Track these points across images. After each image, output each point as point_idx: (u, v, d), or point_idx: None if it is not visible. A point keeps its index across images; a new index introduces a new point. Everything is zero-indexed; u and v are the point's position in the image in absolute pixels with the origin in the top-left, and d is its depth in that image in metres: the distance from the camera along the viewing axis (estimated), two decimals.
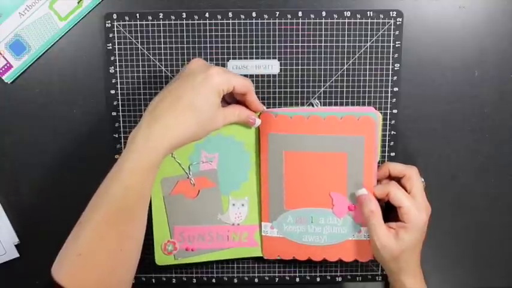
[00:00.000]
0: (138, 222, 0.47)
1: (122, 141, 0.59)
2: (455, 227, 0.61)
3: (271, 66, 0.58)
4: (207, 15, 0.57)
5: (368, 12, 0.56)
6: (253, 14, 0.57)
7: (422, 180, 0.53)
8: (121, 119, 0.58)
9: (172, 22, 0.57)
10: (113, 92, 0.58)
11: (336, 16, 0.56)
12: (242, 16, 0.56)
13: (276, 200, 0.56)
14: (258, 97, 0.57)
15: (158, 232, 0.57)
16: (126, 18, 0.57)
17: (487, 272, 0.62)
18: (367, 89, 0.58)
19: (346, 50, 0.57)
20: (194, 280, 0.61)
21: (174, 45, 0.57)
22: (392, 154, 0.59)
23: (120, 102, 0.58)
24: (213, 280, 0.61)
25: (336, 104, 0.58)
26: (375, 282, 0.62)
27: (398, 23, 0.57)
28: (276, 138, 0.55)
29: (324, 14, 0.56)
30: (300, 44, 0.57)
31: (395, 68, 0.57)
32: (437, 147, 0.60)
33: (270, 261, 0.61)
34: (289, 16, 0.56)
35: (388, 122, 0.58)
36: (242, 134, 0.56)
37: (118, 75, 0.58)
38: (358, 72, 0.57)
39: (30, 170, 0.60)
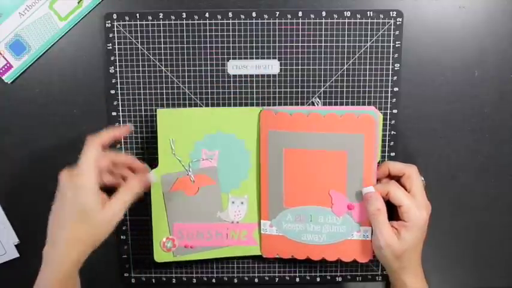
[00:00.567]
0: None
1: (122, 141, 0.59)
2: (455, 226, 0.61)
3: (271, 66, 0.58)
4: (207, 15, 0.57)
5: (368, 12, 0.56)
6: (253, 14, 0.57)
7: (422, 179, 0.53)
8: (121, 119, 0.58)
9: (172, 22, 0.57)
10: (113, 92, 0.58)
11: (336, 16, 0.56)
12: (242, 16, 0.57)
13: (275, 197, 0.56)
14: (258, 97, 0.58)
15: (157, 229, 0.57)
16: (126, 18, 0.57)
17: (487, 272, 0.62)
18: (367, 89, 0.58)
19: (346, 50, 0.57)
20: (194, 280, 0.61)
21: (174, 45, 0.57)
22: (393, 154, 0.59)
23: (120, 102, 0.58)
24: (213, 280, 0.61)
25: (336, 104, 0.58)
26: (375, 282, 0.62)
27: (398, 23, 0.57)
28: (276, 136, 0.55)
29: (324, 14, 0.56)
30: (300, 44, 0.57)
31: (396, 68, 0.57)
32: (437, 147, 0.60)
33: (270, 261, 0.61)
34: (289, 16, 0.56)
35: (388, 122, 0.58)
36: (243, 132, 0.56)
37: (118, 75, 0.58)
38: (358, 72, 0.57)
39: (30, 170, 0.60)
